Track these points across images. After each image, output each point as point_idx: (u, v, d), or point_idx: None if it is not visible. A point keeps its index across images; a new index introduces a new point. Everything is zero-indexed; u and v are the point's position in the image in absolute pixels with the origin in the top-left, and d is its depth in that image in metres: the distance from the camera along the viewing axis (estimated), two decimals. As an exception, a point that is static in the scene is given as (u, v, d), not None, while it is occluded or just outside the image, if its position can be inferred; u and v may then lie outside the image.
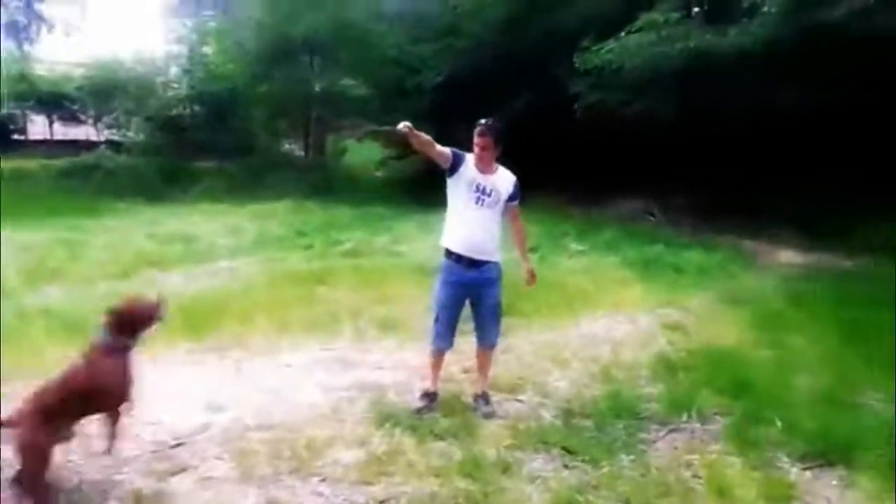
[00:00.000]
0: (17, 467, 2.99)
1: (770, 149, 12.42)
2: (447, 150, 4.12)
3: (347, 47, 18.88)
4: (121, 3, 53.74)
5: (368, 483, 3.38)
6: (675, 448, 3.84)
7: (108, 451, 3.38)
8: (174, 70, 23.00)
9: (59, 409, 3.06)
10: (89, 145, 22.01)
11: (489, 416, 4.19)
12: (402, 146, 12.69)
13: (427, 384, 4.40)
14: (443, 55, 16.74)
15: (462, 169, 4.15)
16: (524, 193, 4.35)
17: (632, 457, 3.68)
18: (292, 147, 23.29)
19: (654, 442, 3.92)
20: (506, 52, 15.23)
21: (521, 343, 5.63)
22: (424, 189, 11.08)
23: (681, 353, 5.43)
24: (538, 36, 14.67)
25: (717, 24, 11.52)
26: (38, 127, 24.16)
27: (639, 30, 11.90)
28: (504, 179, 4.27)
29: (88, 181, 18.11)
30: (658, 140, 13.35)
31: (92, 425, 3.76)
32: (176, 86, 22.05)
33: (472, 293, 4.26)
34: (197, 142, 20.20)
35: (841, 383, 4.69)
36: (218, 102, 20.37)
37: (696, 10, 13.14)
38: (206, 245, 10.50)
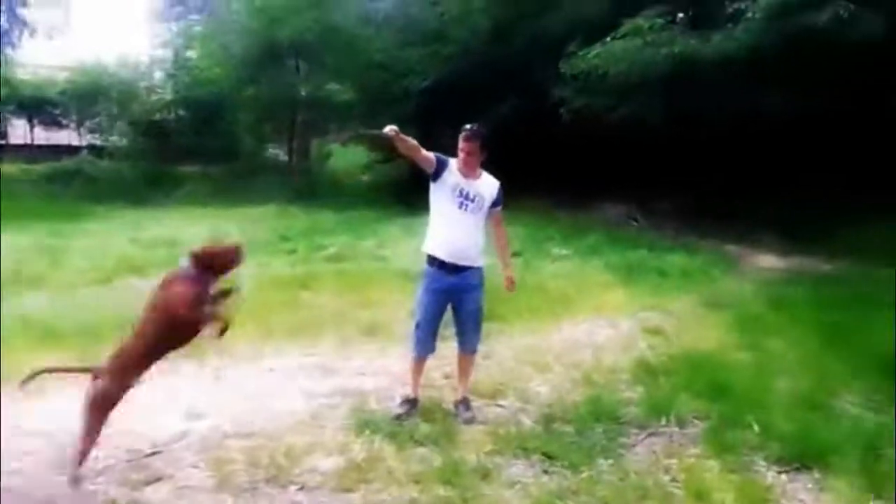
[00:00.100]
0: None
1: (754, 154, 12.53)
2: (431, 155, 4.12)
3: (334, 51, 18.85)
4: (105, 7, 53.38)
5: (347, 490, 3.36)
6: (654, 452, 3.85)
7: None
8: (159, 74, 22.93)
9: (141, 351, 3.34)
10: (71, 150, 21.85)
11: (470, 421, 4.18)
12: (388, 150, 12.69)
13: (408, 390, 4.40)
14: (429, 60, 16.76)
15: (446, 174, 4.16)
16: (510, 197, 4.36)
17: (611, 461, 3.69)
18: (277, 151, 23.23)
19: (634, 446, 3.93)
20: (492, 58, 15.30)
21: (502, 348, 5.64)
22: (409, 193, 11.09)
23: (661, 357, 5.46)
24: (524, 41, 14.75)
25: (701, 29, 11.61)
26: (18, 131, 23.92)
27: (624, 35, 11.97)
28: (488, 185, 4.28)
29: (70, 186, 18.00)
30: (643, 145, 13.44)
31: (72, 435, 3.74)
32: (160, 90, 21.97)
33: (454, 298, 4.27)
34: (181, 146, 20.13)
35: (819, 387, 4.72)
36: (203, 107, 20.32)
37: (680, 15, 13.21)
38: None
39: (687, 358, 5.38)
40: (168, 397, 4.42)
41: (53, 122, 23.54)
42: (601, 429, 4.07)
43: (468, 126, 4.21)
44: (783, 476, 3.58)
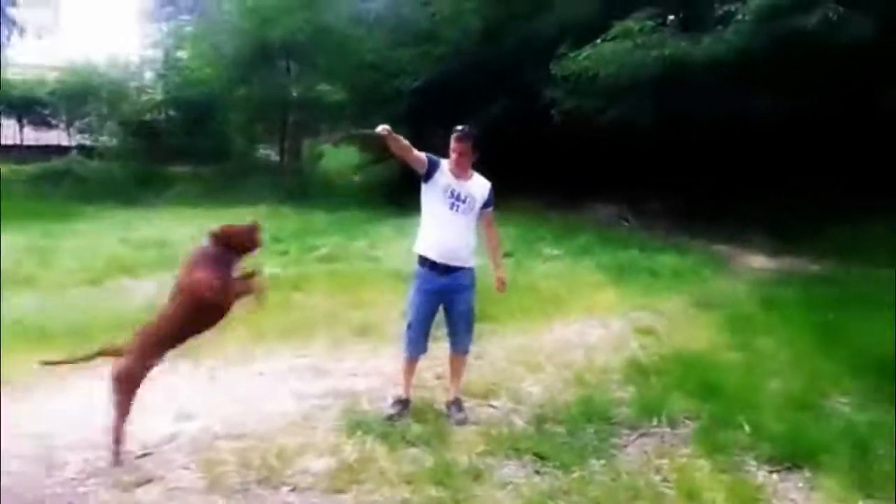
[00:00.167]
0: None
1: (744, 156, 12.58)
2: (423, 156, 4.12)
3: (325, 52, 18.78)
4: (95, 7, 53.03)
5: (339, 491, 3.35)
6: (646, 452, 3.86)
7: None
8: (149, 74, 22.80)
9: (166, 332, 3.45)
10: (61, 150, 21.67)
11: (462, 422, 4.18)
12: (380, 150, 12.68)
13: (400, 391, 4.39)
14: (421, 61, 16.73)
15: (437, 175, 4.16)
16: (501, 198, 4.37)
17: (602, 461, 3.70)
18: (268, 152, 23.14)
19: (625, 446, 3.94)
20: (483, 59, 15.29)
21: (494, 348, 5.64)
22: (401, 193, 11.08)
23: (652, 358, 5.48)
24: (515, 42, 14.76)
25: (691, 32, 11.66)
26: (8, 131, 23.71)
27: (614, 37, 11.99)
28: (479, 186, 4.28)
29: (60, 186, 17.85)
30: (634, 146, 13.46)
31: (62, 437, 3.73)
32: (151, 90, 21.82)
33: (445, 299, 4.27)
34: (172, 147, 20.01)
35: (809, 387, 4.75)
36: (193, 107, 20.20)
37: (670, 18, 13.27)
38: (180, 251, 10.30)
39: (678, 358, 5.40)
40: (159, 398, 4.39)
41: (43, 123, 23.33)
42: (593, 429, 4.08)
43: (460, 127, 4.22)
44: (774, 475, 3.60)
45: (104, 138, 21.25)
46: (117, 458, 3.44)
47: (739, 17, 10.41)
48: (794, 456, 3.72)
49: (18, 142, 23.46)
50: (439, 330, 4.44)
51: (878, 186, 10.44)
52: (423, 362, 4.50)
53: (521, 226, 11.52)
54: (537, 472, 3.59)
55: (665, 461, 3.73)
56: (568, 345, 5.87)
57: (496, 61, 15.05)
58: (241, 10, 19.04)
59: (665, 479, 3.54)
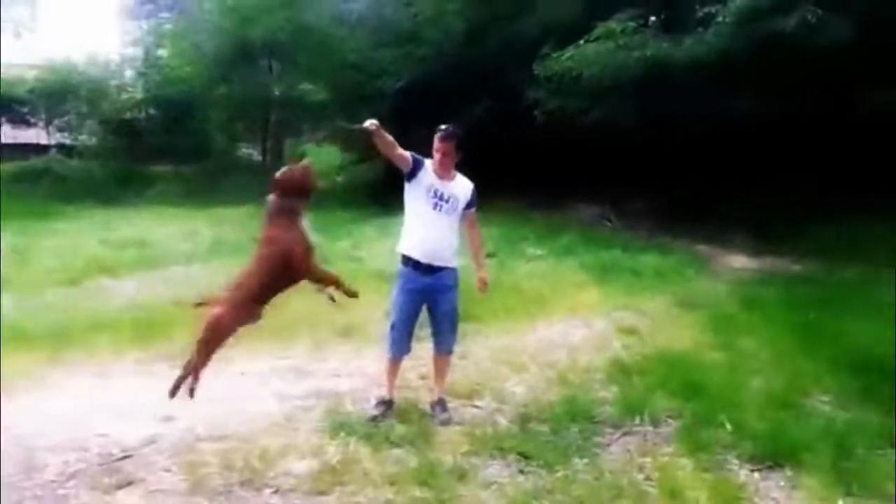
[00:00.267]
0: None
1: (726, 156, 12.69)
2: (408, 154, 4.11)
3: (307, 51, 18.73)
4: (75, 5, 52.52)
5: (322, 493, 3.33)
6: (628, 451, 3.87)
7: None
8: (129, 73, 22.61)
9: (256, 288, 3.53)
10: (40, 149, 21.45)
11: (446, 422, 4.17)
12: (363, 148, 12.62)
13: (383, 391, 4.37)
14: (403, 61, 16.70)
15: (421, 174, 4.15)
16: (484, 198, 4.36)
17: (586, 460, 3.70)
18: (250, 151, 23.02)
19: (608, 445, 3.95)
20: (466, 59, 15.29)
21: (478, 348, 5.64)
22: (384, 193, 11.04)
23: (635, 357, 5.50)
24: (498, 43, 14.79)
25: (673, 33, 11.74)
26: (-15, 130, 23.45)
27: (597, 38, 12.06)
28: (462, 186, 4.28)
29: (38, 185, 17.69)
30: (617, 146, 13.54)
31: (41, 439, 3.68)
32: (131, 89, 21.68)
33: (429, 299, 4.26)
34: (152, 145, 19.87)
35: (791, 386, 4.79)
36: (174, 105, 20.08)
37: (652, 19, 13.36)
38: (160, 250, 10.29)
39: (661, 357, 5.42)
40: (138, 400, 4.35)
41: (22, 121, 23.05)
42: (576, 428, 4.08)
43: (443, 127, 4.21)
44: (756, 474, 3.62)
45: (84, 137, 21.07)
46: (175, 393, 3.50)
47: (720, 18, 10.50)
48: (775, 454, 3.74)
49: (-5, 141, 23.18)
50: (423, 330, 4.43)
51: (859, 186, 10.58)
52: (406, 363, 4.50)
53: (504, 226, 11.53)
54: (521, 472, 3.59)
55: (648, 460, 3.74)
56: (551, 345, 5.87)
57: (479, 62, 15.05)
58: (221, 8, 18.96)
59: (648, 478, 3.55)
